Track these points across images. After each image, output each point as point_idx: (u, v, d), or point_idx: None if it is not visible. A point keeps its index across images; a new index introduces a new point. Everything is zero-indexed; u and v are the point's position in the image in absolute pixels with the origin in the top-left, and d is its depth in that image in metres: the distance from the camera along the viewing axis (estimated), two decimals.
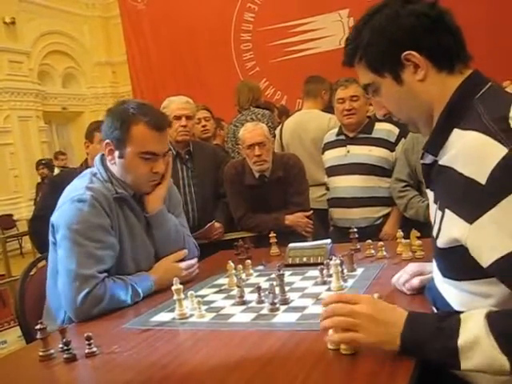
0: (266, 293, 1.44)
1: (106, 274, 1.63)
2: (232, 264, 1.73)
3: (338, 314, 1.05)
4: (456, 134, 1.05)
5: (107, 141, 1.73)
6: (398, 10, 1.11)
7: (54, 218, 1.70)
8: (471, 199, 0.95)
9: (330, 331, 1.08)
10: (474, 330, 0.92)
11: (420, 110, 1.15)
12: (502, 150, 0.91)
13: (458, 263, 1.03)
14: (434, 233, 1.10)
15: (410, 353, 0.99)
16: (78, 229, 1.61)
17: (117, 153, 1.73)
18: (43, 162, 8.38)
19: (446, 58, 1.11)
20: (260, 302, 1.47)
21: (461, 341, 0.92)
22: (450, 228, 1.01)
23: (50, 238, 1.73)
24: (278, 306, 1.40)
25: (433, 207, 1.13)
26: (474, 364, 0.92)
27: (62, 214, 1.66)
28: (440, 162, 1.07)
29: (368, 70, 1.18)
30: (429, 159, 1.14)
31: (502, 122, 0.95)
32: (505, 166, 0.90)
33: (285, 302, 1.43)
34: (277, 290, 1.44)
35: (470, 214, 0.95)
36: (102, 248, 1.63)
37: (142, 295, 1.68)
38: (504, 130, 0.94)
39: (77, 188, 1.70)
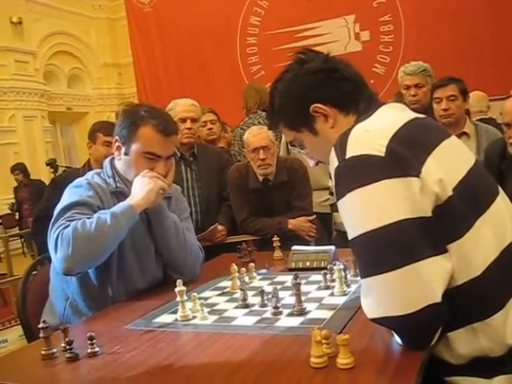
0: (269, 296, 1.44)
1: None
2: (235, 267, 1.73)
3: None
4: None
5: (116, 137, 1.83)
6: (297, 71, 1.27)
7: None
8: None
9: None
10: None
11: None
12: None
13: None
14: None
15: None
16: (68, 203, 1.68)
17: (123, 149, 1.81)
18: (47, 162, 8.38)
19: (350, 102, 1.25)
20: (263, 305, 1.47)
21: None
22: None
23: None
24: (281, 310, 1.40)
25: None
26: None
27: (61, 199, 1.75)
28: None
29: (288, 129, 1.33)
30: None
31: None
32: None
33: (301, 311, 1.38)
34: (293, 299, 1.41)
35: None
36: (84, 216, 1.65)
37: (118, 212, 1.65)
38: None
39: (78, 179, 1.82)
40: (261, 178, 2.83)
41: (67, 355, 1.24)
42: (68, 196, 1.74)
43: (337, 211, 2.96)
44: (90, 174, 1.86)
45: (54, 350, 1.27)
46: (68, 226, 1.60)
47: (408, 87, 3.21)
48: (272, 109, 1.35)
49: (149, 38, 7.42)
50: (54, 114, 10.76)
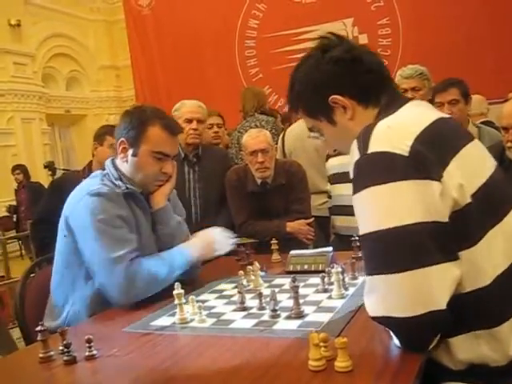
0: (268, 299, 1.44)
1: (138, 253, 1.69)
2: (250, 267, 1.78)
3: None
4: None
5: (122, 139, 1.81)
6: (318, 59, 1.24)
7: (69, 211, 1.74)
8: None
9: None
10: None
11: None
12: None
13: None
14: None
15: None
16: (101, 218, 1.66)
17: (130, 151, 1.80)
18: (45, 164, 8.37)
19: (370, 94, 1.22)
20: (261, 308, 1.47)
21: None
22: None
23: (62, 232, 1.75)
24: (279, 313, 1.40)
25: None
26: None
27: (83, 207, 1.69)
28: None
29: (306, 116, 1.31)
30: None
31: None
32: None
33: (299, 314, 1.38)
34: (290, 302, 1.41)
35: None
36: (126, 232, 1.70)
37: (176, 266, 1.75)
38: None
39: (92, 185, 1.76)
40: (259, 181, 2.83)
41: (65, 358, 1.24)
42: (95, 205, 1.67)
43: (334, 214, 2.98)
44: (99, 177, 1.81)
45: (52, 353, 1.27)
46: (137, 258, 1.67)
47: (405, 91, 3.21)
48: (291, 93, 1.32)
49: (147, 41, 7.42)
50: (53, 116, 10.75)
